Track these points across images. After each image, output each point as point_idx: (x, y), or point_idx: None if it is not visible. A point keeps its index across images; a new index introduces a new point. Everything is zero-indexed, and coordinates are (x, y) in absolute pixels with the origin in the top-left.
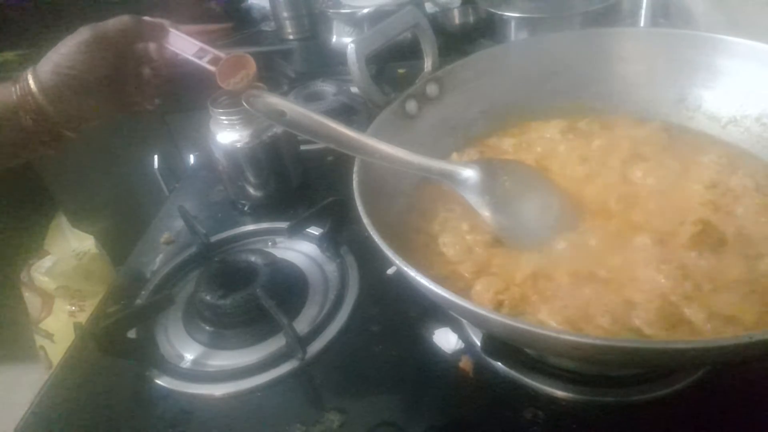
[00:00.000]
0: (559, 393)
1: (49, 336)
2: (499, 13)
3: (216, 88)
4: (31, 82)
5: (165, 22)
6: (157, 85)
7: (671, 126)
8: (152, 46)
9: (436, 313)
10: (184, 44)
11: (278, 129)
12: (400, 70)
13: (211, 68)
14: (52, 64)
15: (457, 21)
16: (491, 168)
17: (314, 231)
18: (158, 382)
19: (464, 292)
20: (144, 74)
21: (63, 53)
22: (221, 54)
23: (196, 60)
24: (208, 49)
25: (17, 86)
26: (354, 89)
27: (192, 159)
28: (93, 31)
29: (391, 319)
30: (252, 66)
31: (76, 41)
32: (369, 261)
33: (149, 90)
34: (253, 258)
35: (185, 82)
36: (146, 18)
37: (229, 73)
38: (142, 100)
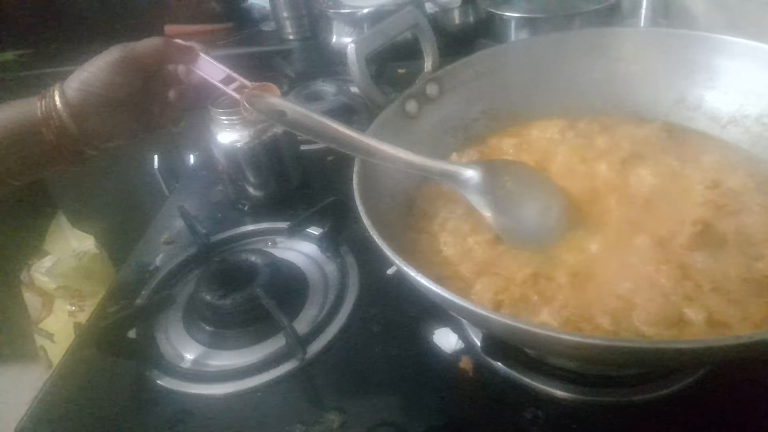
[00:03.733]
0: (559, 393)
1: (49, 336)
2: (499, 13)
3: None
4: (57, 98)
5: (195, 45)
6: (182, 108)
7: (671, 126)
8: (181, 69)
9: (436, 313)
10: (211, 69)
11: (278, 129)
12: (400, 70)
13: (237, 96)
14: (79, 81)
15: (457, 21)
16: (493, 168)
17: (314, 231)
18: (158, 382)
19: (464, 292)
20: (170, 97)
21: (91, 71)
22: (247, 82)
23: (223, 87)
24: (235, 77)
25: (42, 102)
26: (354, 89)
27: (192, 159)
28: (123, 52)
29: (391, 319)
30: (276, 93)
31: (105, 60)
32: (369, 261)
33: (174, 112)
34: (253, 258)
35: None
36: (177, 41)
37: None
38: (167, 122)
